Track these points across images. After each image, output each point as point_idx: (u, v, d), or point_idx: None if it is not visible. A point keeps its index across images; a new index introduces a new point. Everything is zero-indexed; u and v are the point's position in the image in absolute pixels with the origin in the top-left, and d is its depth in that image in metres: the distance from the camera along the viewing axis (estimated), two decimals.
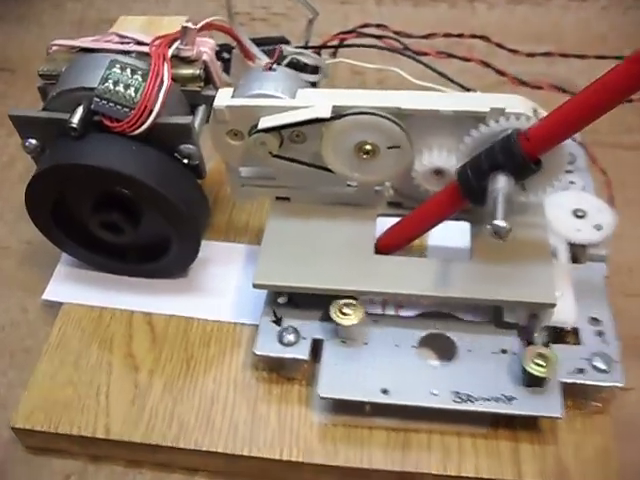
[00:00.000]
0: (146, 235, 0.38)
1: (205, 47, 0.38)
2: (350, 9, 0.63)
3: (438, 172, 0.34)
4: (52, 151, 0.35)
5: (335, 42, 0.48)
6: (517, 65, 0.50)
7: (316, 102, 0.33)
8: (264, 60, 0.44)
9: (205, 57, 0.37)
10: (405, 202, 0.37)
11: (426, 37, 0.49)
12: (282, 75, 0.35)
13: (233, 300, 0.39)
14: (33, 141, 0.36)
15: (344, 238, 0.36)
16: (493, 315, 0.36)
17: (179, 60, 0.37)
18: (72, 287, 0.41)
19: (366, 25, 0.48)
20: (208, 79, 0.38)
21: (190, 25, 0.36)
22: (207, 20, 0.39)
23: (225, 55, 0.42)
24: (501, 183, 0.29)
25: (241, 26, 0.41)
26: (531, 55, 0.50)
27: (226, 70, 0.41)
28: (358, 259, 0.35)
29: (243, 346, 0.38)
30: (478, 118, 0.31)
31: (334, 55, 0.49)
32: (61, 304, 0.40)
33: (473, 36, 0.50)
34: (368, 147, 0.33)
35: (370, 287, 0.35)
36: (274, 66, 0.36)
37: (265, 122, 0.33)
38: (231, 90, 0.34)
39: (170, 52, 0.36)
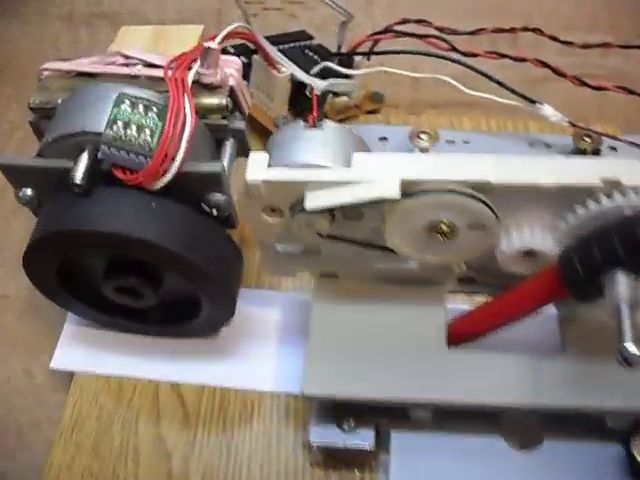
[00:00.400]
0: (171, 296, 0.32)
1: (230, 68, 0.31)
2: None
3: (529, 254, 0.26)
4: (52, 211, 0.29)
5: (368, 44, 0.41)
6: (567, 57, 0.43)
7: (378, 174, 0.25)
8: (289, 69, 0.37)
9: (231, 82, 0.30)
10: (479, 277, 0.30)
11: (473, 33, 0.42)
12: (331, 135, 0.27)
13: (276, 365, 0.33)
14: (28, 191, 0.30)
15: (408, 326, 0.29)
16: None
17: (200, 87, 0.30)
18: (84, 352, 0.35)
19: (404, 21, 0.41)
20: (235, 107, 0.31)
21: (212, 45, 0.29)
22: (228, 29, 0.32)
23: (243, 59, 0.36)
24: (623, 287, 0.22)
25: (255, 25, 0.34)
26: (586, 47, 0.43)
27: (245, 77, 0.34)
28: (427, 356, 0.29)
29: (292, 422, 0.32)
30: (585, 191, 0.24)
31: (367, 59, 0.42)
32: (72, 374, 0.34)
33: (525, 29, 0.43)
34: (444, 227, 0.25)
35: (446, 396, 0.28)
36: (319, 122, 0.28)
37: (313, 200, 0.25)
38: (266, 157, 0.26)
39: (190, 78, 0.29)
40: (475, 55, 0.39)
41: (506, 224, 0.26)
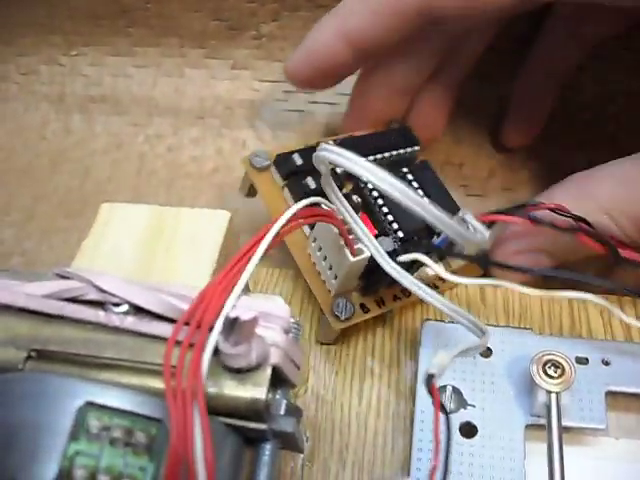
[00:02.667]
0: None
1: (271, 333, 0.19)
2: None
3: None
4: None
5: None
6: None
7: None
8: (370, 251, 0.25)
9: (274, 359, 0.18)
10: None
11: None
12: None
13: None
14: None
15: None
16: None
17: (222, 369, 0.18)
18: None
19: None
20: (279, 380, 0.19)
21: (243, 316, 0.17)
22: (280, 224, 0.20)
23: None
24: None
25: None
26: None
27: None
28: None
29: None
30: None
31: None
32: None
33: None
34: None
35: None
36: None
37: None
38: None
39: (206, 361, 0.17)
40: None
41: None
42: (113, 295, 0.19)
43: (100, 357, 0.18)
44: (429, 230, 0.28)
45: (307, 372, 0.28)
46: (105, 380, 0.18)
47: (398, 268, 0.24)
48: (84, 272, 0.20)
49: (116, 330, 0.19)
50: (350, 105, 0.34)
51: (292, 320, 0.20)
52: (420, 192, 0.31)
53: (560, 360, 0.24)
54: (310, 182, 0.29)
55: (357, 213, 0.25)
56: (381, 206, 0.29)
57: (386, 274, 0.24)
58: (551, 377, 0.24)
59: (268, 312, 0.19)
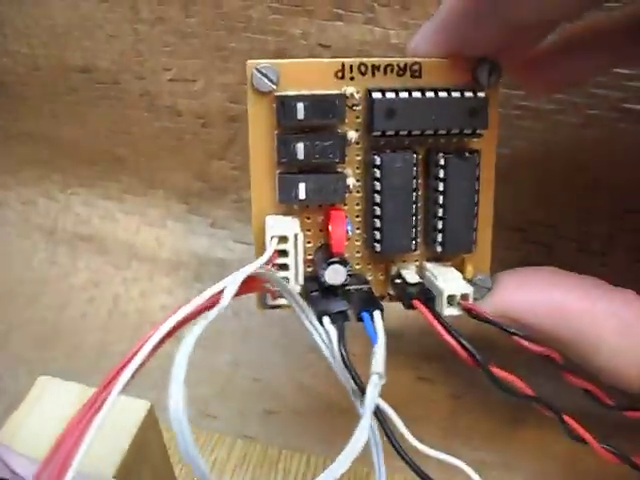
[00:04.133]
0: None
1: None
2: None
3: None
4: None
5: None
6: None
7: None
8: None
9: None
10: None
11: None
12: None
13: None
14: None
15: None
16: None
17: None
18: None
19: None
20: None
21: None
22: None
23: None
24: None
25: None
26: None
27: None
28: None
29: None
30: None
31: None
32: None
33: None
34: None
35: None
36: None
37: None
38: None
39: None
40: None
41: None
42: (20, 476, 0.20)
43: None
44: None
45: None
46: None
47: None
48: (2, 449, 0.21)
49: None
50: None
51: None
52: (441, 187, 0.25)
53: None
54: (300, 150, 0.24)
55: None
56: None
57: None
58: None
59: None
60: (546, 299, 0.24)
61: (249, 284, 0.23)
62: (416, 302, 0.25)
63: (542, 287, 0.25)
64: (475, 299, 0.25)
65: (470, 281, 0.26)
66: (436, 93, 0.24)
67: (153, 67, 0.38)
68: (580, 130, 0.33)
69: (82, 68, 0.39)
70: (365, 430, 0.19)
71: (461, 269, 0.26)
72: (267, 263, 0.24)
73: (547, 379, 0.26)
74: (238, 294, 0.23)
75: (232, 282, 0.21)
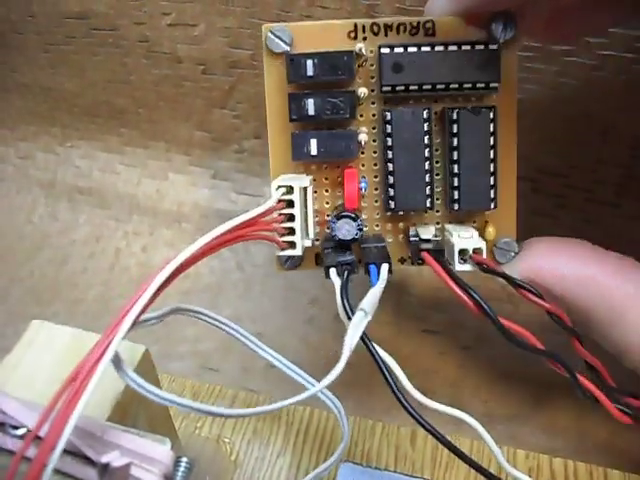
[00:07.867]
0: None
1: (150, 477, 0.19)
2: None
3: None
4: None
5: None
6: None
7: None
8: None
9: None
10: None
11: None
12: None
13: None
14: None
15: None
16: None
17: None
18: None
19: None
20: None
21: (115, 463, 0.17)
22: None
23: None
24: None
25: None
26: None
27: None
28: None
29: None
30: None
31: None
32: None
33: None
34: None
35: None
36: None
37: None
38: None
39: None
40: None
41: None
42: (12, 417, 0.20)
43: None
44: None
45: None
46: None
47: None
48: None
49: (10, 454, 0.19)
50: None
51: (184, 460, 0.20)
52: (455, 143, 0.25)
53: None
54: (310, 105, 0.24)
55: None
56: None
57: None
58: None
59: (148, 455, 0.19)
60: (579, 270, 0.24)
61: (253, 231, 0.23)
62: (425, 254, 0.25)
63: (576, 257, 0.24)
64: (500, 263, 0.25)
65: (494, 245, 0.25)
66: (446, 47, 0.24)
67: (151, 11, 0.37)
68: (592, 72, 0.32)
69: (78, 13, 0.38)
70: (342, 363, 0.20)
71: (483, 232, 0.26)
72: (272, 212, 0.24)
73: None
74: (242, 239, 0.23)
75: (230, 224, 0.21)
